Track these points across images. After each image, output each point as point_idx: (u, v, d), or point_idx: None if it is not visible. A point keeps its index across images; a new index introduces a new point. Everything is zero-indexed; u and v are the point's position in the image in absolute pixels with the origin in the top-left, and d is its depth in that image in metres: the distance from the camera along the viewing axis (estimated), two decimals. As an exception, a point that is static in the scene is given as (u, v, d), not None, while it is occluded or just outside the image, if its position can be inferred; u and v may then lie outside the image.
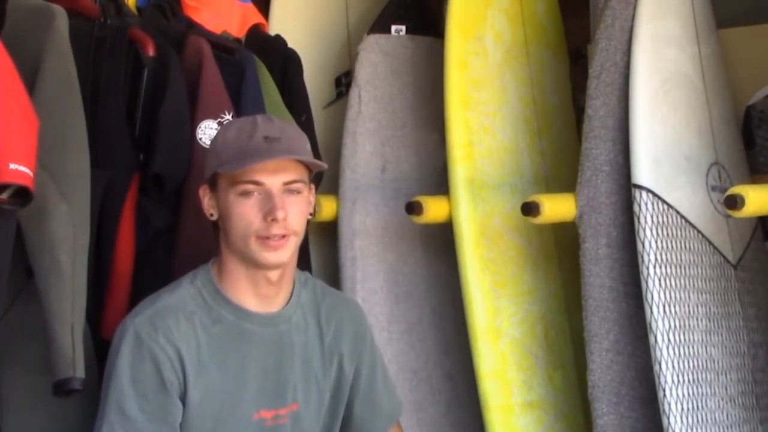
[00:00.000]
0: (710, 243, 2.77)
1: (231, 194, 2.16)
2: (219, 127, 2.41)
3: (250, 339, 2.21)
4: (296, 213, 2.17)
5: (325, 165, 2.25)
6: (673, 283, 2.65)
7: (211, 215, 2.22)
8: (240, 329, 2.20)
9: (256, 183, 2.14)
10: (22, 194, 2.07)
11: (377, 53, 3.16)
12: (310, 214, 2.27)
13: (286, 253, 2.17)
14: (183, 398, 2.16)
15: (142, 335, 2.13)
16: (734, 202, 2.48)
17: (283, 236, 2.16)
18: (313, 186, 2.27)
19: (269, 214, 2.13)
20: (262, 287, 2.21)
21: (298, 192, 2.18)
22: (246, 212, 2.15)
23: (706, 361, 2.69)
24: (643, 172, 2.69)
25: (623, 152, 2.74)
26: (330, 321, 2.32)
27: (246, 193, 2.15)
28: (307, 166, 2.22)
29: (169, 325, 2.15)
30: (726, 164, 2.89)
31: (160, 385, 2.13)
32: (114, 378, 2.13)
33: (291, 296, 2.27)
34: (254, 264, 2.18)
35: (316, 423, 2.29)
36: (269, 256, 2.16)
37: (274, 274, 2.20)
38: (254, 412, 2.21)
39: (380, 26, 3.19)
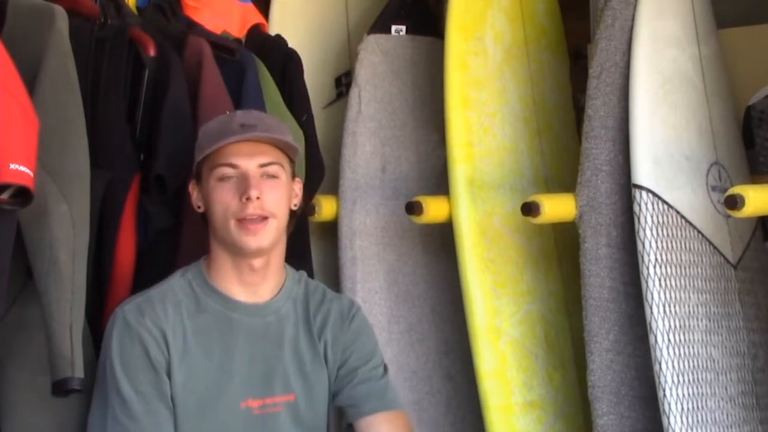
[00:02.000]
0: (710, 243, 2.77)
1: (211, 181, 2.23)
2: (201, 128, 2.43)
3: (236, 328, 2.25)
4: (273, 196, 2.22)
5: (296, 145, 2.29)
6: (673, 283, 2.65)
7: (199, 207, 2.28)
8: (226, 318, 2.25)
9: (232, 166, 2.21)
10: (22, 194, 2.07)
11: (377, 53, 3.16)
12: (295, 205, 2.30)
13: (266, 237, 2.21)
14: (169, 383, 2.20)
15: (129, 320, 2.19)
16: (734, 202, 2.48)
17: (263, 219, 2.20)
18: (299, 180, 2.33)
19: (243, 194, 2.19)
20: (246, 275, 2.25)
21: (276, 176, 2.23)
22: (223, 195, 2.21)
23: (706, 361, 2.69)
24: (643, 172, 2.69)
25: (623, 152, 2.74)
26: (317, 314, 2.34)
27: (224, 178, 2.21)
28: (289, 156, 2.27)
29: (156, 311, 2.20)
30: (726, 164, 2.89)
31: (149, 365, 2.18)
32: (107, 364, 2.19)
33: (281, 289, 2.30)
34: (237, 250, 2.22)
35: (314, 413, 2.31)
36: (249, 240, 2.20)
37: (257, 262, 2.24)
38: (241, 400, 2.24)
39: (380, 26, 3.19)
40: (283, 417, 2.27)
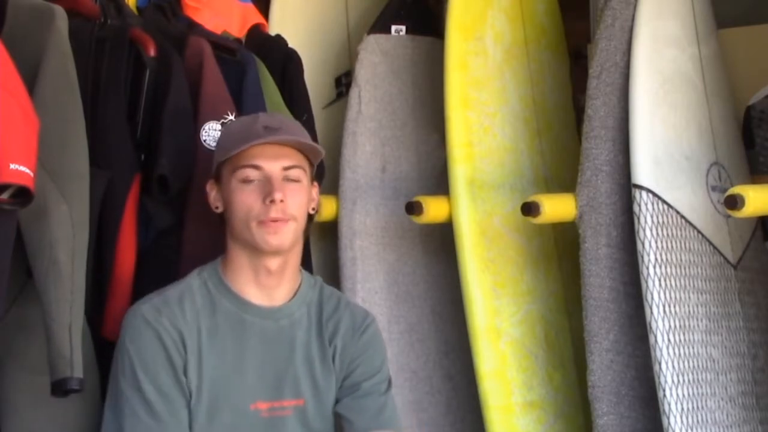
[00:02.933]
0: (710, 243, 2.77)
1: (233, 182, 2.23)
2: (222, 128, 2.44)
3: (249, 330, 2.25)
4: (295, 199, 2.23)
5: (321, 149, 2.30)
6: (673, 283, 2.65)
7: (217, 208, 2.28)
8: (240, 320, 2.25)
9: (255, 167, 2.22)
10: (22, 194, 2.07)
11: (377, 53, 3.16)
12: (313, 210, 2.32)
13: (286, 236, 2.22)
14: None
15: (148, 319, 2.20)
16: (734, 202, 2.48)
17: (283, 220, 2.21)
18: (316, 185, 2.34)
19: (267, 196, 2.20)
20: (263, 277, 2.26)
21: (298, 180, 2.25)
22: (246, 197, 2.22)
23: (706, 361, 2.69)
24: (643, 172, 2.69)
25: (623, 152, 2.74)
26: (330, 320, 2.34)
27: (246, 180, 2.22)
28: (309, 160, 2.29)
29: (173, 311, 2.21)
30: (726, 164, 2.89)
31: (169, 365, 2.18)
32: (125, 364, 2.19)
33: (296, 294, 2.30)
34: (256, 249, 2.23)
35: (322, 419, 2.31)
36: (270, 239, 2.21)
37: (273, 263, 2.25)
38: (250, 402, 2.24)
39: (380, 26, 3.19)
40: (291, 421, 2.27)
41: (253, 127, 2.24)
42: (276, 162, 2.22)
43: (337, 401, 2.34)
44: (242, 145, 2.21)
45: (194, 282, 2.26)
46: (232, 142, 2.24)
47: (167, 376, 2.18)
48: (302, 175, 2.26)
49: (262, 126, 2.23)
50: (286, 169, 2.23)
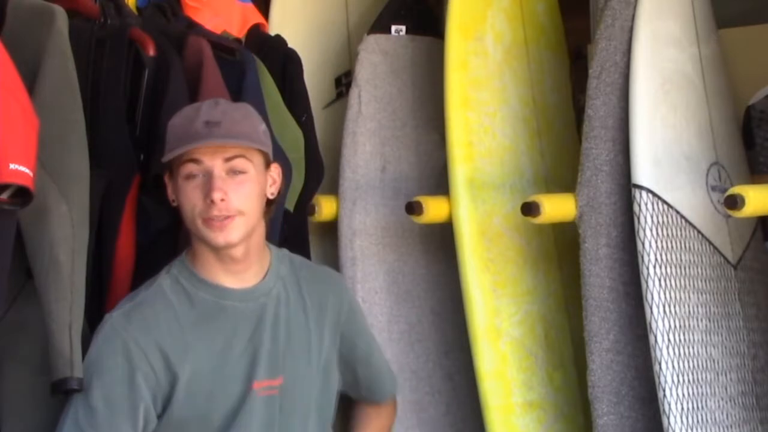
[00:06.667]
0: (710, 243, 2.77)
1: (179, 179, 2.19)
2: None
3: (231, 315, 2.23)
4: (239, 194, 2.17)
5: (260, 145, 2.22)
6: (673, 283, 2.65)
7: (173, 201, 2.23)
8: (220, 307, 2.23)
9: (196, 162, 2.16)
10: (22, 194, 2.07)
11: (377, 53, 3.16)
12: (272, 194, 2.27)
13: (233, 233, 2.18)
14: (172, 386, 2.17)
15: (117, 328, 2.16)
16: (734, 202, 2.48)
17: (227, 217, 2.17)
18: (277, 166, 2.27)
19: (207, 195, 2.15)
20: (229, 264, 2.23)
21: (242, 171, 2.18)
22: (190, 195, 2.17)
23: (706, 361, 2.69)
24: (643, 172, 2.69)
25: (623, 152, 2.74)
26: (312, 293, 2.34)
27: (190, 177, 2.17)
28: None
29: (145, 317, 2.18)
30: (726, 164, 2.89)
31: (129, 378, 2.14)
32: (85, 366, 2.15)
33: (268, 271, 2.29)
34: (208, 245, 2.20)
35: (306, 397, 2.30)
36: (215, 237, 2.17)
37: (235, 251, 2.22)
38: (248, 384, 2.23)
39: (380, 26, 3.19)
40: (278, 400, 2.26)
41: (194, 124, 2.16)
42: (216, 155, 2.15)
43: (345, 376, 2.38)
44: (181, 147, 2.16)
45: (164, 281, 2.23)
46: (173, 141, 2.19)
47: (122, 390, 2.14)
48: (246, 164, 2.18)
49: (203, 122, 2.16)
50: (228, 160, 2.16)
